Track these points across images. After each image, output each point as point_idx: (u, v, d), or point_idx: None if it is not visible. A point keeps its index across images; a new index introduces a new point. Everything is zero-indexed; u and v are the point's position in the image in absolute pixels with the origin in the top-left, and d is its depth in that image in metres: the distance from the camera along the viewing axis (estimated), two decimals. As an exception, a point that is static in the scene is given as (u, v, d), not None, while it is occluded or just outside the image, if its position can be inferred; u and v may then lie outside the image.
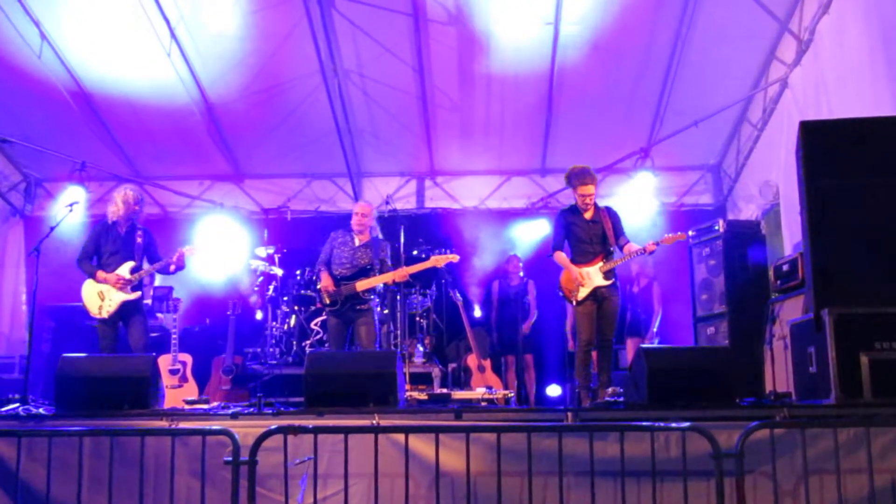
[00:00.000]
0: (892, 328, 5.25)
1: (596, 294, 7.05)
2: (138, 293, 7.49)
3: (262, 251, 10.45)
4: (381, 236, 8.33)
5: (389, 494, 4.48)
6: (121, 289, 7.39)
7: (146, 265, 7.62)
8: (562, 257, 7.23)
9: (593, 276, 7.04)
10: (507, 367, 9.83)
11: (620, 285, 7.55)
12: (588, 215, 7.24)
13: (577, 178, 7.19)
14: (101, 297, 7.38)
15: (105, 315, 7.36)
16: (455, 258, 8.02)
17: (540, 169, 11.58)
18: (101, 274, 7.41)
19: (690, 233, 9.41)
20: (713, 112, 9.74)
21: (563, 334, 10.04)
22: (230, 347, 9.31)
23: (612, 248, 7.16)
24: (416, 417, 5.31)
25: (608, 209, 7.34)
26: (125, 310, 7.43)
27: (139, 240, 7.62)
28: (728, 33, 9.01)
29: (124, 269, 7.45)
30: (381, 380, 5.60)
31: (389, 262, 8.09)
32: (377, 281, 7.81)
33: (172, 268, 7.66)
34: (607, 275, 7.06)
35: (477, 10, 8.98)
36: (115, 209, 7.64)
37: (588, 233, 7.19)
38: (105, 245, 7.57)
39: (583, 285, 7.03)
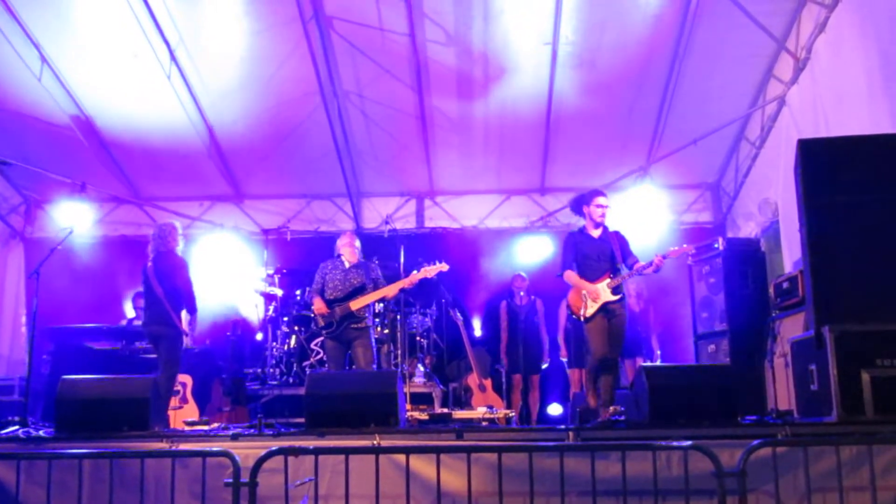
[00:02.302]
0: (894, 345, 5.25)
1: (605, 310, 7.07)
2: None
3: (262, 272, 10.45)
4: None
5: (391, 515, 4.45)
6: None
7: None
8: (572, 276, 7.23)
9: (601, 291, 7.06)
10: (514, 386, 9.80)
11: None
12: (596, 234, 7.30)
13: (592, 194, 7.37)
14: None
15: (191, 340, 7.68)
16: (445, 267, 8.01)
17: (539, 188, 11.60)
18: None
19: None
20: (712, 130, 9.76)
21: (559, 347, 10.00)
22: (230, 368, 9.30)
23: (619, 266, 7.17)
24: (417, 438, 5.30)
25: (616, 232, 7.39)
26: None
27: None
28: (726, 52, 9.05)
29: None
30: (381, 400, 5.60)
31: (383, 280, 8.12)
32: (370, 298, 7.89)
33: None
34: (615, 290, 7.07)
35: (475, 31, 9.02)
36: (176, 241, 7.77)
37: (596, 250, 7.24)
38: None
39: (595, 300, 7.04)
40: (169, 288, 7.48)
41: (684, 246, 7.23)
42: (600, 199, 7.30)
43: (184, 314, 7.50)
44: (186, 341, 7.50)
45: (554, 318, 9.99)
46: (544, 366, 9.89)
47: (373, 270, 8.13)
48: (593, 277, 7.15)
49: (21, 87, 9.43)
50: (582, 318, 7.12)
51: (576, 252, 7.31)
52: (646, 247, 9.36)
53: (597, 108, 9.94)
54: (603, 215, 7.28)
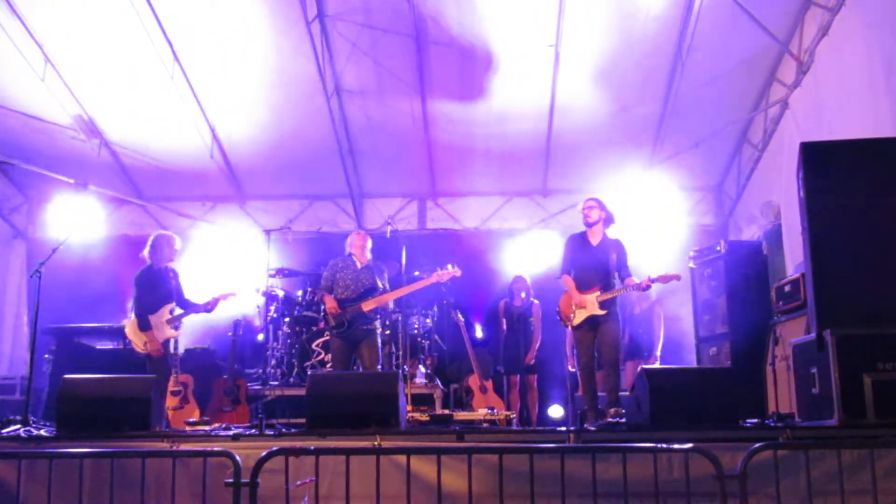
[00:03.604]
0: (895, 349, 5.24)
1: (591, 321, 7.18)
2: (178, 332, 7.71)
3: (264, 272, 10.43)
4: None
5: (391, 516, 4.45)
6: (164, 328, 7.60)
7: (178, 309, 7.74)
8: (567, 281, 7.36)
9: (589, 304, 7.16)
10: (511, 387, 9.78)
11: (622, 306, 7.61)
12: (595, 241, 7.38)
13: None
14: (145, 335, 7.52)
15: (148, 350, 7.50)
16: (457, 272, 8.08)
17: (541, 190, 11.61)
18: (154, 323, 7.55)
19: (692, 253, 9.42)
20: (714, 133, 9.76)
21: (565, 354, 9.97)
22: (231, 368, 9.29)
23: (612, 280, 7.24)
24: (418, 439, 5.30)
25: (617, 242, 7.44)
26: (166, 343, 7.64)
27: (173, 282, 7.78)
28: (729, 55, 9.06)
29: (166, 311, 7.61)
30: (382, 401, 5.59)
31: (387, 284, 8.14)
32: (382, 300, 7.87)
33: (208, 309, 7.86)
34: (603, 305, 7.15)
35: (478, 32, 9.03)
36: (162, 254, 7.74)
37: (591, 259, 7.32)
38: (156, 288, 7.68)
39: (583, 307, 7.14)
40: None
41: (674, 275, 7.27)
42: (586, 203, 7.47)
43: (134, 324, 7.54)
44: (143, 347, 7.49)
45: (556, 321, 9.95)
46: (528, 363, 9.80)
47: (382, 272, 8.15)
48: (585, 286, 7.25)
49: (24, 88, 9.45)
50: (569, 326, 7.31)
51: (572, 256, 7.40)
52: (648, 249, 9.43)
53: (599, 111, 9.94)
54: (587, 216, 7.39)
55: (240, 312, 10.36)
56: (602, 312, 7.12)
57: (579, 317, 7.20)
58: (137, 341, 7.54)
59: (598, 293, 7.16)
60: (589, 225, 7.39)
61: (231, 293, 7.95)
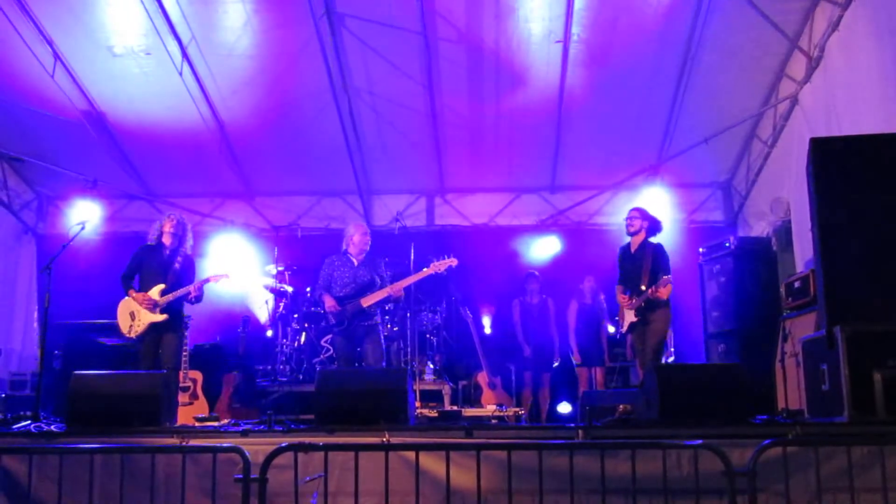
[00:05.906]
0: (906, 346, 5.22)
1: (633, 326, 7.50)
2: (165, 315, 7.41)
3: (273, 268, 10.46)
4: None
5: (400, 512, 4.46)
6: (149, 310, 7.40)
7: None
8: (617, 291, 7.72)
9: (626, 313, 7.50)
10: (524, 384, 9.78)
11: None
12: (634, 247, 7.65)
13: None
14: (132, 316, 7.43)
15: (133, 335, 7.40)
16: (453, 262, 7.96)
17: (549, 186, 11.58)
18: (132, 293, 7.46)
19: (701, 250, 9.40)
20: (723, 129, 9.74)
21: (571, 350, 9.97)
22: (240, 365, 9.33)
23: (642, 287, 7.41)
24: (427, 435, 5.31)
25: (655, 246, 7.57)
26: (156, 330, 7.42)
27: (177, 265, 7.60)
28: (738, 50, 9.02)
29: (154, 291, 7.46)
30: (391, 397, 5.60)
31: (387, 277, 8.11)
32: (381, 295, 7.84)
33: (192, 296, 7.55)
34: (637, 311, 7.40)
35: (486, 28, 9.01)
36: (164, 231, 7.66)
37: (629, 266, 7.62)
38: (147, 266, 7.59)
39: (627, 315, 7.52)
40: None
41: (664, 278, 7.37)
42: (628, 213, 7.77)
43: (122, 304, 7.48)
44: (128, 331, 7.41)
45: (563, 317, 9.96)
46: (555, 364, 9.85)
47: (379, 266, 8.11)
48: (626, 291, 7.57)
49: (34, 84, 9.46)
50: (619, 334, 7.85)
51: (620, 265, 7.74)
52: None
53: (608, 106, 9.93)
54: (629, 226, 7.68)
55: (249, 308, 10.42)
56: (635, 319, 7.42)
57: (625, 324, 7.56)
58: (123, 324, 7.40)
59: (633, 300, 7.43)
60: (631, 235, 7.67)
61: (223, 275, 7.85)
